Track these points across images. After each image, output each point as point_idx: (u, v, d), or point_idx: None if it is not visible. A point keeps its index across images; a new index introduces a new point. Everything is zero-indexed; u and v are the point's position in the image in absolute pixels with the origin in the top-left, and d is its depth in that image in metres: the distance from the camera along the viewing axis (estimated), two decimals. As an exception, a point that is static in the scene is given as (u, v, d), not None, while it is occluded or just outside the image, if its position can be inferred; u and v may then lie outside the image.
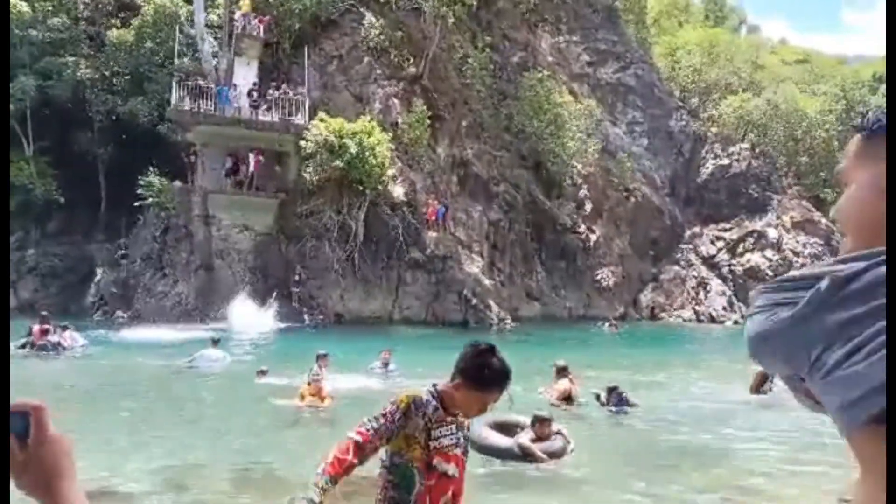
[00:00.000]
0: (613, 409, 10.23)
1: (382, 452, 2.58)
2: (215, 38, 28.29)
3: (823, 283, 0.79)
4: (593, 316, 31.46)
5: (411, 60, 28.77)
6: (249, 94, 25.34)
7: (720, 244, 38.54)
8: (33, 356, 14.60)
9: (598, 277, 34.06)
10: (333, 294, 24.95)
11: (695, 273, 37.43)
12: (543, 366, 11.51)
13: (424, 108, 27.40)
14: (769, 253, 37.21)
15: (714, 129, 42.35)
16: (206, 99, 24.98)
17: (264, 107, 25.31)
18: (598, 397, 10.57)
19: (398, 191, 26.20)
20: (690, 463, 7.83)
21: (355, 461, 2.49)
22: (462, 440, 2.66)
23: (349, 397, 10.46)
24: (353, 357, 14.04)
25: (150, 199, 24.95)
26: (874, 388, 0.72)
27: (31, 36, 28.68)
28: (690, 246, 38.64)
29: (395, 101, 27.74)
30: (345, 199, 24.87)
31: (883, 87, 45.78)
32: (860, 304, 0.75)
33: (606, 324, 27.72)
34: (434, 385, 2.66)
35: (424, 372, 12.47)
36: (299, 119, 25.13)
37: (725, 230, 38.98)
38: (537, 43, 37.23)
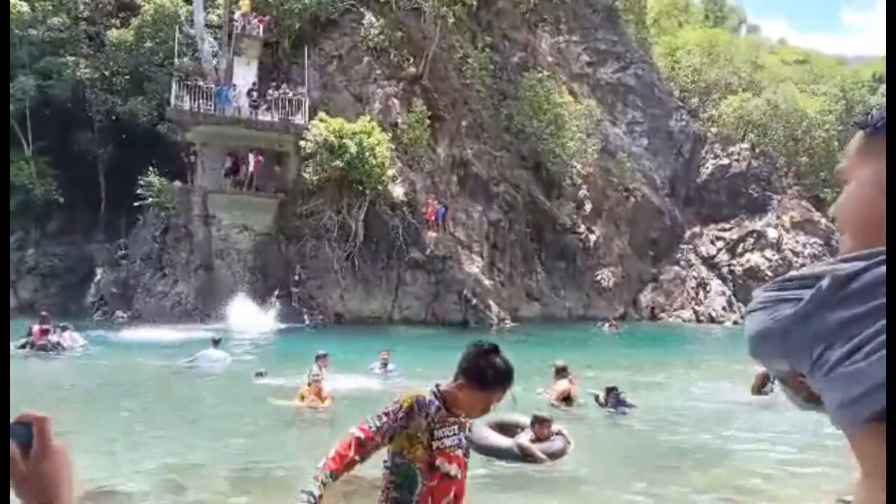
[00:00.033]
0: (611, 410, 10.21)
1: (385, 453, 2.58)
2: (215, 38, 28.31)
3: (825, 282, 0.79)
4: (593, 316, 31.45)
5: (411, 60, 28.78)
6: (249, 93, 25.35)
7: (720, 244, 38.54)
8: (33, 356, 14.61)
9: (598, 278, 34.06)
10: (333, 294, 24.95)
11: (695, 273, 37.43)
12: (543, 366, 11.51)
13: (424, 108, 27.40)
14: (769, 253, 37.21)
15: (714, 130, 42.36)
16: (206, 99, 24.99)
17: (264, 107, 25.32)
18: (596, 398, 10.56)
19: (398, 191, 26.21)
20: (690, 463, 7.82)
21: (357, 458, 2.49)
22: (464, 441, 2.66)
23: (349, 398, 10.45)
24: (353, 357, 14.04)
25: (150, 199, 24.95)
26: (876, 384, 0.72)
27: (31, 36, 28.68)
28: (690, 246, 38.65)
29: (395, 101, 27.74)
30: (344, 199, 24.87)
31: (883, 87, 45.80)
32: (860, 303, 0.76)
33: (606, 324, 27.72)
34: (437, 385, 2.65)
35: (424, 372, 12.48)
36: (299, 119, 25.14)
37: (725, 230, 38.99)
38: (537, 43, 37.23)
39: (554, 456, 7.38)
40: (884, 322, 0.73)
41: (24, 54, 28.47)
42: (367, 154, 23.75)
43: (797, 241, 37.76)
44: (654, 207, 38.30)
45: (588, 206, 34.71)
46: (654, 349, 21.67)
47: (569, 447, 7.57)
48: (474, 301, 25.82)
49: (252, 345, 18.11)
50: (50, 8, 29.94)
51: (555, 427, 7.70)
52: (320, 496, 2.41)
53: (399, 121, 27.10)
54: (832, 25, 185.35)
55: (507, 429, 7.71)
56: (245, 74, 26.33)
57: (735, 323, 34.34)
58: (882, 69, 46.73)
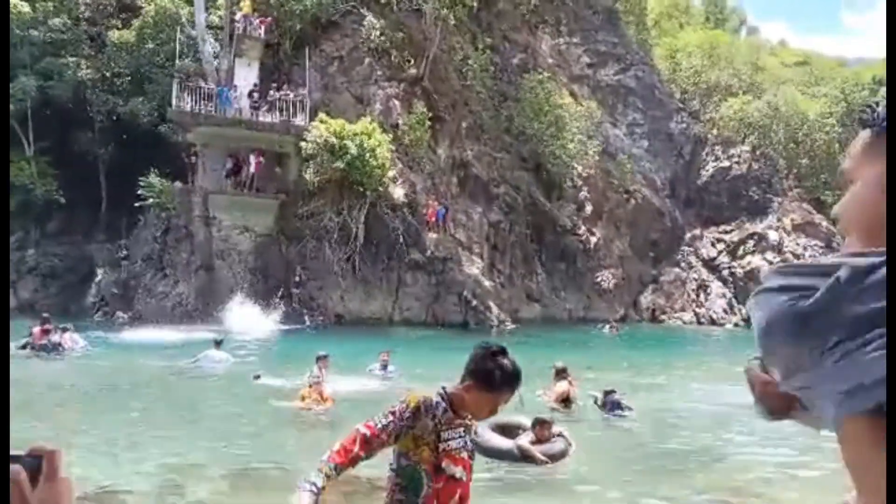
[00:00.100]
0: (608, 415, 10.14)
1: (390, 455, 2.58)
2: (216, 39, 28.33)
3: (843, 273, 0.79)
4: (593, 318, 31.44)
5: (412, 62, 28.79)
6: (250, 94, 25.37)
7: (721, 246, 38.53)
8: (34, 357, 14.61)
9: (599, 279, 34.06)
10: (334, 295, 24.96)
11: (695, 275, 37.43)
12: (544, 367, 11.50)
13: (425, 109, 27.42)
14: (770, 255, 37.16)
15: (714, 131, 42.36)
16: (207, 100, 25.01)
17: (265, 108, 25.34)
18: (595, 400, 10.54)
19: (398, 192, 26.21)
20: (691, 465, 7.82)
21: (361, 454, 2.48)
22: (469, 443, 2.66)
23: (349, 399, 10.46)
24: (353, 358, 14.03)
25: (151, 200, 24.96)
26: (879, 379, 0.74)
27: (32, 36, 28.72)
28: (691, 248, 38.65)
29: (396, 102, 27.75)
30: (345, 200, 24.88)
31: (883, 90, 45.78)
32: (877, 296, 0.76)
33: (607, 326, 27.71)
34: (443, 387, 2.65)
35: (424, 373, 12.50)
36: (300, 120, 25.15)
37: (726, 232, 38.98)
38: (538, 44, 37.26)
39: (554, 458, 7.37)
40: None
41: (25, 55, 28.51)
42: (367, 155, 23.77)
43: (798, 244, 37.72)
44: (655, 209, 38.31)
45: (588, 208, 34.72)
46: (654, 351, 21.67)
47: (570, 449, 7.56)
48: (474, 302, 25.82)
49: (254, 345, 18.11)
50: (51, 9, 29.98)
51: (556, 429, 7.69)
52: (323, 487, 2.40)
53: (400, 122, 27.12)
54: (832, 27, 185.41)
55: (508, 430, 7.71)
56: (246, 75, 26.36)
57: (736, 325, 34.34)
58: (882, 72, 46.72)
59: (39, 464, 0.80)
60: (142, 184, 24.75)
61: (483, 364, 2.57)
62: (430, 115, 27.48)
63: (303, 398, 10.03)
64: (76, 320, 19.48)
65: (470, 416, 2.65)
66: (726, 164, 41.37)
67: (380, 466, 2.73)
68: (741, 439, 9.16)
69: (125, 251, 27.54)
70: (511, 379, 2.57)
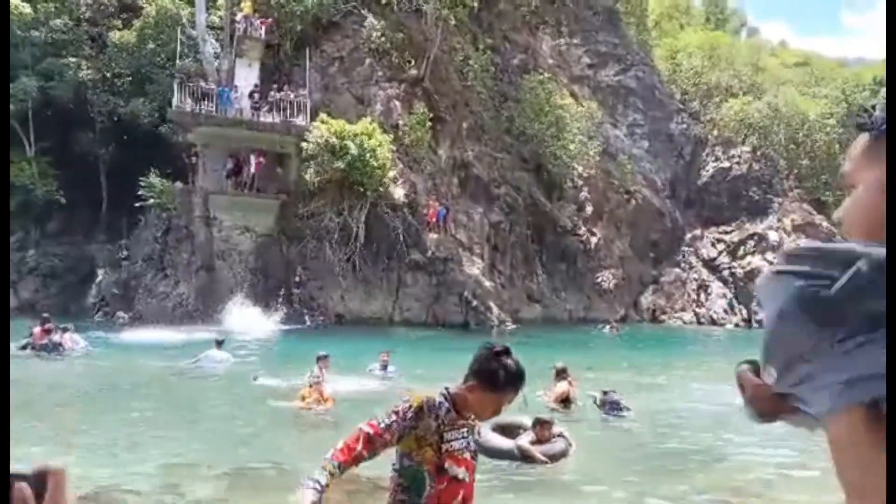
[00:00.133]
0: (606, 414, 10.14)
1: (393, 455, 2.58)
2: (217, 40, 28.35)
3: (863, 265, 0.79)
4: (594, 318, 31.44)
5: (412, 62, 28.80)
6: (251, 95, 25.39)
7: (721, 247, 38.54)
8: (34, 357, 14.61)
9: (599, 280, 34.07)
10: (334, 295, 24.97)
11: (695, 275, 37.44)
12: (544, 367, 11.50)
13: (425, 109, 27.43)
14: (770, 256, 37.15)
15: (715, 132, 42.38)
16: (208, 100, 25.03)
17: (265, 108, 25.35)
18: (594, 400, 10.54)
19: (399, 192, 26.22)
20: (691, 466, 7.82)
21: (364, 452, 2.48)
22: (472, 444, 2.66)
23: (349, 399, 10.46)
24: (353, 359, 14.03)
25: (152, 200, 24.98)
26: (879, 373, 0.75)
27: (33, 37, 28.75)
28: (691, 248, 38.66)
29: (397, 102, 27.76)
30: (346, 200, 24.89)
31: (883, 91, 45.77)
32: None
33: (607, 326, 27.71)
34: (446, 388, 2.65)
35: (424, 374, 12.50)
36: (300, 120, 25.17)
37: (726, 233, 38.98)
38: (538, 45, 37.27)
39: (555, 458, 7.37)
40: None
41: (26, 55, 28.54)
42: (368, 156, 23.78)
43: (798, 244, 37.73)
44: (655, 209, 38.31)
45: (589, 208, 34.72)
46: (654, 351, 21.67)
47: (570, 449, 7.56)
48: (475, 303, 25.82)
49: (253, 346, 18.11)
50: (52, 9, 30.02)
51: (556, 429, 7.69)
52: (327, 485, 2.40)
53: (400, 122, 27.13)
54: (832, 28, 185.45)
55: (508, 430, 7.71)
56: (247, 76, 26.38)
57: (736, 325, 34.35)
58: (882, 72, 46.71)
59: (45, 482, 0.80)
60: (142, 184, 24.78)
61: (487, 364, 2.58)
62: (431, 115, 27.49)
63: (303, 398, 10.03)
64: (76, 320, 19.47)
65: (473, 417, 2.65)
66: (726, 164, 41.37)
67: (382, 466, 2.73)
68: (741, 439, 9.15)
69: (126, 251, 27.56)
70: (515, 379, 2.57)
